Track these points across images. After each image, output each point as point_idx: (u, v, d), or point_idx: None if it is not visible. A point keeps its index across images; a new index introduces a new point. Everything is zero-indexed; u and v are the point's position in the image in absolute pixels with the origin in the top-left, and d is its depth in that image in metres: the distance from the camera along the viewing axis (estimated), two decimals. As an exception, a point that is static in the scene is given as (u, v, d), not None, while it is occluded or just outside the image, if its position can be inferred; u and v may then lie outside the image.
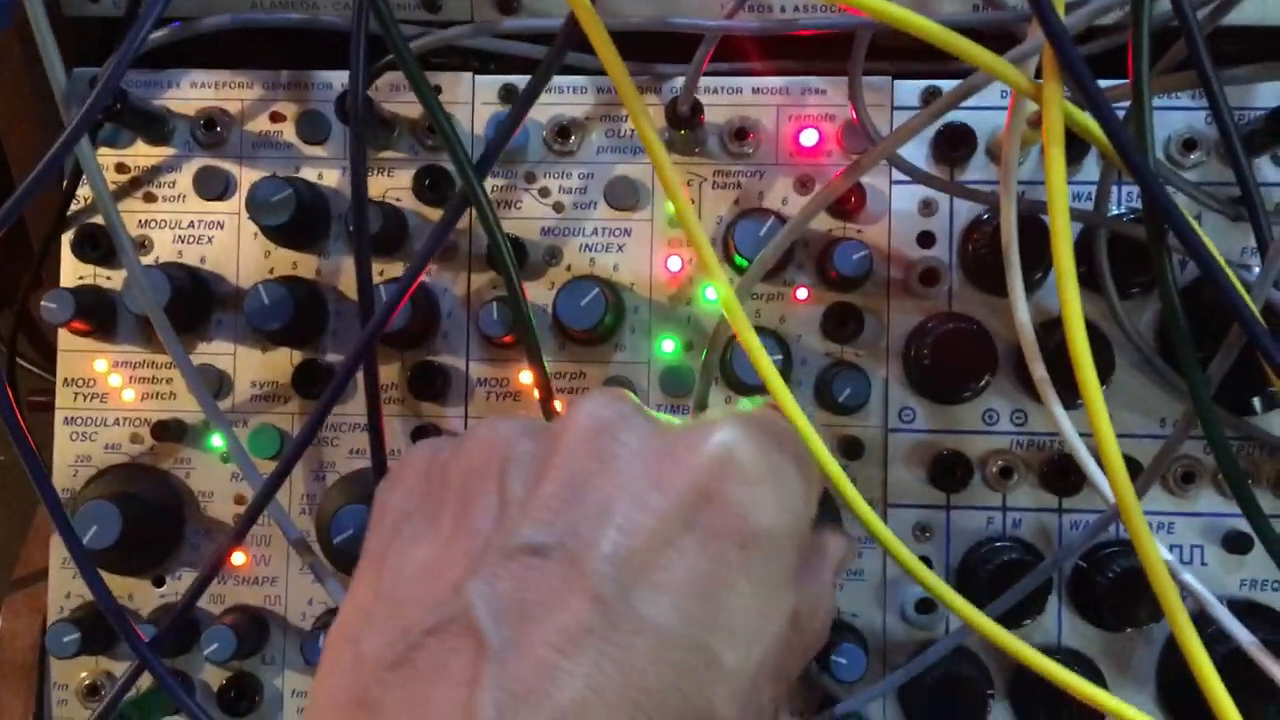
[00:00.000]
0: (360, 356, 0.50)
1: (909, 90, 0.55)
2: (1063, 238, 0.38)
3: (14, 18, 0.50)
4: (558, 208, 0.56)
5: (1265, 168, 0.54)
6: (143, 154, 0.57)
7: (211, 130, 0.57)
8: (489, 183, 0.56)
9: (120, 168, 0.57)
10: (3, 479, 0.83)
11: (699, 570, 0.33)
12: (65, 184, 0.57)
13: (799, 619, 0.38)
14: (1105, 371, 0.53)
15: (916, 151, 0.55)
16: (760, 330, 0.54)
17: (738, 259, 0.53)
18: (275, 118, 0.57)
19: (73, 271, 0.57)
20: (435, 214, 0.56)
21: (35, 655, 0.57)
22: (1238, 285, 0.39)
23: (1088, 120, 0.40)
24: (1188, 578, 0.46)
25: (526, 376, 0.56)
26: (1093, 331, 0.53)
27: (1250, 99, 0.53)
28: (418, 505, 0.38)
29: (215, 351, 0.57)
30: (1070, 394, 0.44)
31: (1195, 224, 0.39)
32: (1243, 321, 0.39)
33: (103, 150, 0.57)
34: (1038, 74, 0.39)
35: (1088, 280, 0.54)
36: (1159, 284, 0.40)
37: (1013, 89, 0.39)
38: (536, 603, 0.32)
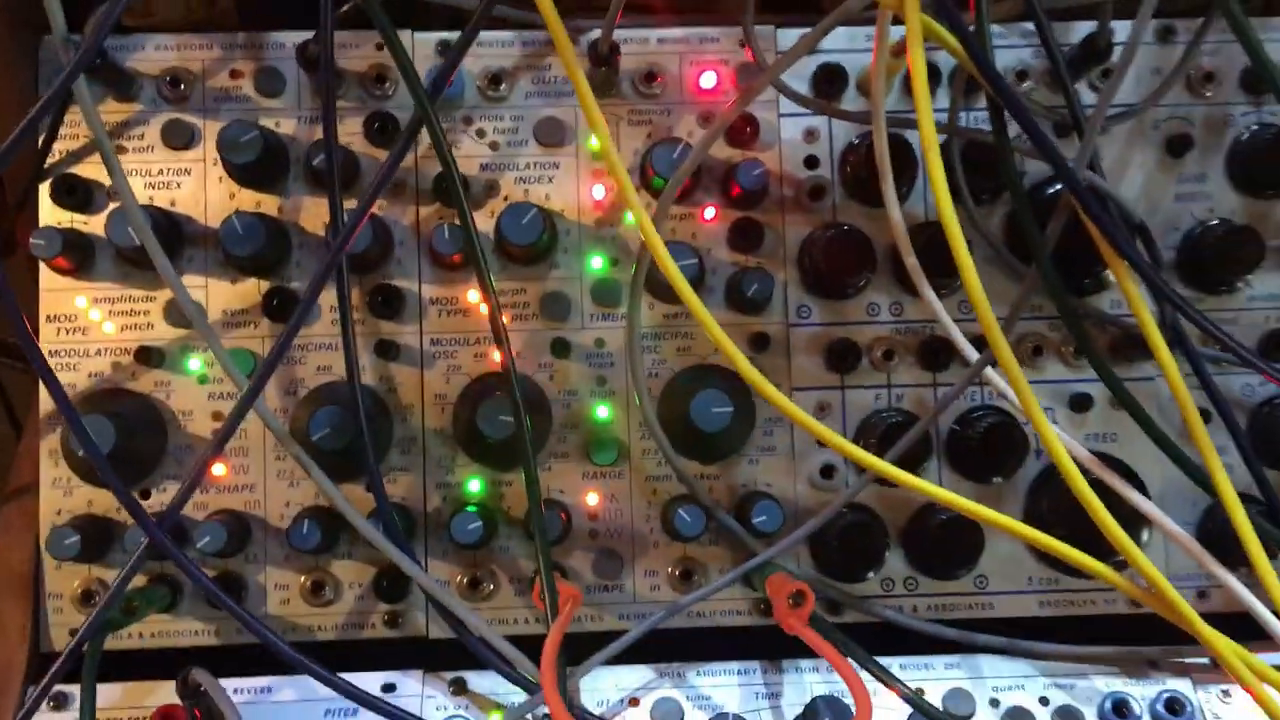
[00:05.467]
0: (329, 269, 0.57)
1: (790, 36, 0.65)
2: (924, 105, 0.48)
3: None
4: (493, 146, 0.64)
5: (1085, 93, 0.65)
6: (112, 110, 0.63)
7: (176, 87, 0.63)
8: (431, 126, 0.63)
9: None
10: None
11: None
12: (41, 141, 0.62)
13: None
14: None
15: (798, 89, 0.64)
16: (676, 244, 0.62)
17: (655, 181, 0.62)
18: (234, 74, 0.64)
19: (50, 218, 0.63)
20: (384, 154, 0.63)
21: (31, 567, 0.62)
22: (1057, 146, 0.49)
23: (941, 30, 0.50)
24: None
25: (474, 295, 0.64)
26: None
27: (1069, 35, 0.64)
28: None
29: (188, 285, 0.62)
30: (935, 280, 0.55)
31: (1023, 99, 0.50)
32: (1060, 171, 0.49)
33: (73, 110, 0.63)
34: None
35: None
36: (998, 148, 0.50)
37: (882, 4, 0.49)
38: None
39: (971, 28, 0.51)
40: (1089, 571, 0.50)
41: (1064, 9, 0.62)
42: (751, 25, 0.62)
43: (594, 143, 0.64)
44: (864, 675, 0.57)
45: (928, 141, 0.47)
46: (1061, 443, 0.56)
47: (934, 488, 0.51)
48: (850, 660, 0.54)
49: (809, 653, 0.62)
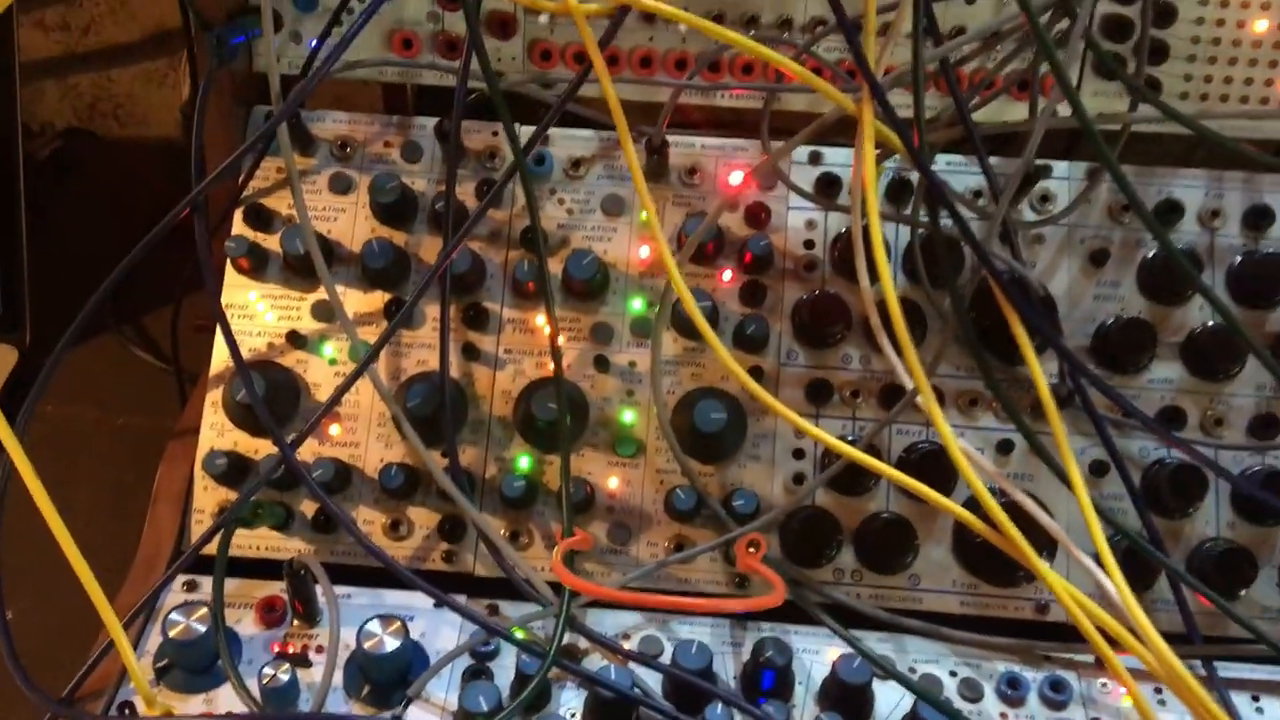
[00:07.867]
0: (434, 275, 0.77)
1: (799, 153, 0.85)
2: (870, 188, 0.67)
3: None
4: (569, 212, 0.85)
5: (1026, 211, 0.84)
6: (297, 161, 0.86)
7: (344, 150, 0.86)
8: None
9: (279, 170, 0.86)
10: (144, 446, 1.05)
11: None
12: (241, 179, 0.85)
13: None
14: (921, 333, 0.81)
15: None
16: (696, 290, 0.82)
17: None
18: (386, 144, 0.87)
19: (240, 234, 0.85)
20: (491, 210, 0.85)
21: (185, 488, 0.82)
22: (966, 219, 0.68)
23: (888, 131, 0.70)
24: (963, 444, 0.73)
25: (540, 319, 0.83)
26: (914, 307, 0.82)
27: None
28: None
29: (331, 291, 0.84)
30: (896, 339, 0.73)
31: (949, 191, 0.69)
32: (971, 242, 0.68)
33: (268, 158, 0.86)
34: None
35: (911, 275, 0.83)
36: (932, 226, 0.69)
37: (839, 104, 0.69)
38: None
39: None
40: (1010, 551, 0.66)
41: (1000, 140, 0.81)
42: (766, 135, 0.83)
43: (644, 216, 0.85)
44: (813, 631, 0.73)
45: (872, 220, 0.66)
46: (973, 462, 0.73)
47: (884, 466, 0.68)
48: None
49: (771, 619, 0.78)
